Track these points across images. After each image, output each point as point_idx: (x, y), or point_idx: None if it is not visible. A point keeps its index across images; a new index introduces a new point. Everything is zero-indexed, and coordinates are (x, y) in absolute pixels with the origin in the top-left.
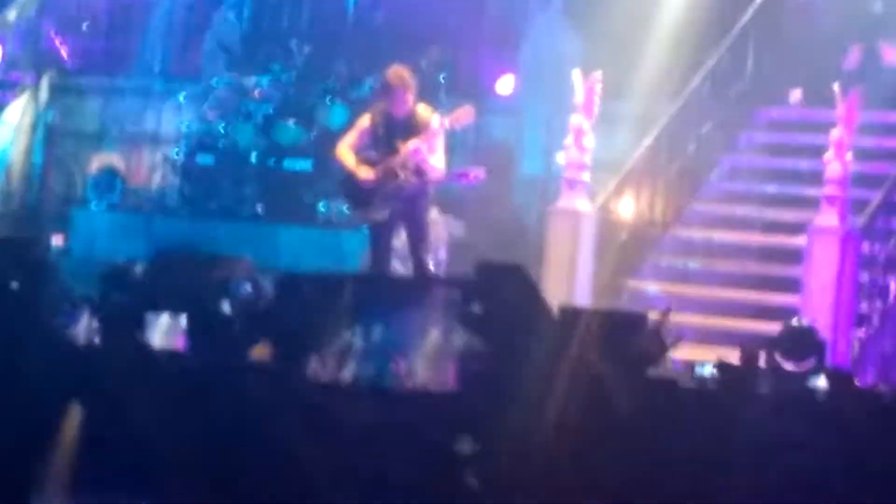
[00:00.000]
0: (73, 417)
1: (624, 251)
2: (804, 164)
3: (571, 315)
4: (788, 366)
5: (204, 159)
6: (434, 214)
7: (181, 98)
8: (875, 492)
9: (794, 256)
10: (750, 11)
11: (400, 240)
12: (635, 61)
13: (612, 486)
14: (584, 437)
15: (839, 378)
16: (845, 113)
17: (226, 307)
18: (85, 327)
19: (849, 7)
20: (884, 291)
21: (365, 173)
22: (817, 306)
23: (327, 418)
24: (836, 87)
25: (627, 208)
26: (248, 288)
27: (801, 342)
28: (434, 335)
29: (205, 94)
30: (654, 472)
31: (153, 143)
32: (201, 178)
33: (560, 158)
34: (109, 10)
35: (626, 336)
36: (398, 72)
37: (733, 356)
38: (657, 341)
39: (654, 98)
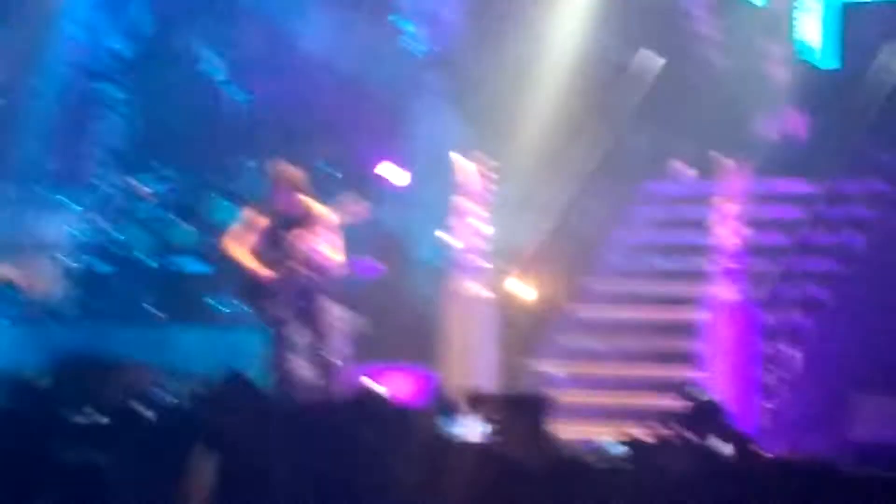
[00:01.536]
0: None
1: (524, 333)
2: (699, 237)
3: (476, 399)
4: (694, 439)
5: (98, 265)
6: (334, 309)
7: (70, 203)
8: None
9: (694, 330)
10: (642, 86)
11: (302, 337)
12: (523, 144)
13: None
14: None
15: (746, 448)
16: (737, 183)
17: (146, 413)
18: None
19: (753, 74)
20: (786, 361)
21: (262, 270)
22: (719, 378)
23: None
24: (725, 158)
25: (525, 290)
26: (158, 393)
27: (705, 415)
28: None
29: (94, 197)
30: None
31: (45, 250)
32: (97, 284)
33: (452, 242)
34: None
35: (532, 418)
36: (286, 169)
37: (638, 432)
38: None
39: (546, 180)
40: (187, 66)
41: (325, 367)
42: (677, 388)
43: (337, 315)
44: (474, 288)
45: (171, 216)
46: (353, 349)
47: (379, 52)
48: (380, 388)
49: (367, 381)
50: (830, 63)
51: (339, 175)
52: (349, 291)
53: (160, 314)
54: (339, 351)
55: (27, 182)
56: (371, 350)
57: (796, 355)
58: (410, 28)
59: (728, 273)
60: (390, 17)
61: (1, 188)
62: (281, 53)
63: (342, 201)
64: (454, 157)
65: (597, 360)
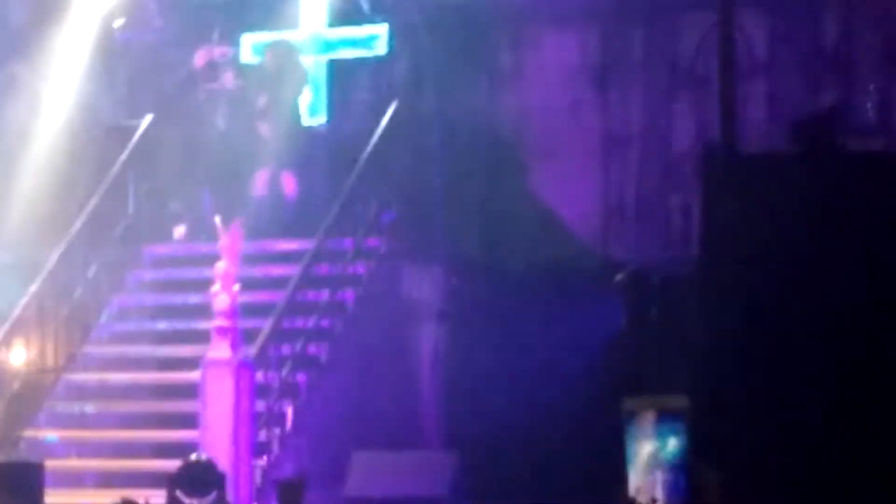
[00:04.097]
0: None
1: (18, 400)
2: (193, 298)
3: None
4: (190, 502)
5: None
6: None
7: None
8: None
9: (191, 391)
10: (127, 150)
11: None
12: (16, 209)
13: None
14: None
15: None
16: (229, 244)
17: None
18: None
19: (245, 137)
20: (281, 418)
21: None
22: (216, 439)
23: None
24: (217, 219)
25: (18, 357)
26: None
27: (201, 477)
28: None
29: None
30: None
31: None
32: None
33: None
34: None
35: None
36: None
37: (135, 496)
38: None
39: (39, 244)
40: None
41: None
42: (174, 450)
43: None
44: None
45: None
46: None
47: None
48: None
49: None
50: (319, 121)
51: None
52: None
53: None
54: None
55: None
56: None
57: (289, 412)
58: None
59: (222, 333)
60: None
61: None
62: None
63: None
64: None
65: (93, 426)
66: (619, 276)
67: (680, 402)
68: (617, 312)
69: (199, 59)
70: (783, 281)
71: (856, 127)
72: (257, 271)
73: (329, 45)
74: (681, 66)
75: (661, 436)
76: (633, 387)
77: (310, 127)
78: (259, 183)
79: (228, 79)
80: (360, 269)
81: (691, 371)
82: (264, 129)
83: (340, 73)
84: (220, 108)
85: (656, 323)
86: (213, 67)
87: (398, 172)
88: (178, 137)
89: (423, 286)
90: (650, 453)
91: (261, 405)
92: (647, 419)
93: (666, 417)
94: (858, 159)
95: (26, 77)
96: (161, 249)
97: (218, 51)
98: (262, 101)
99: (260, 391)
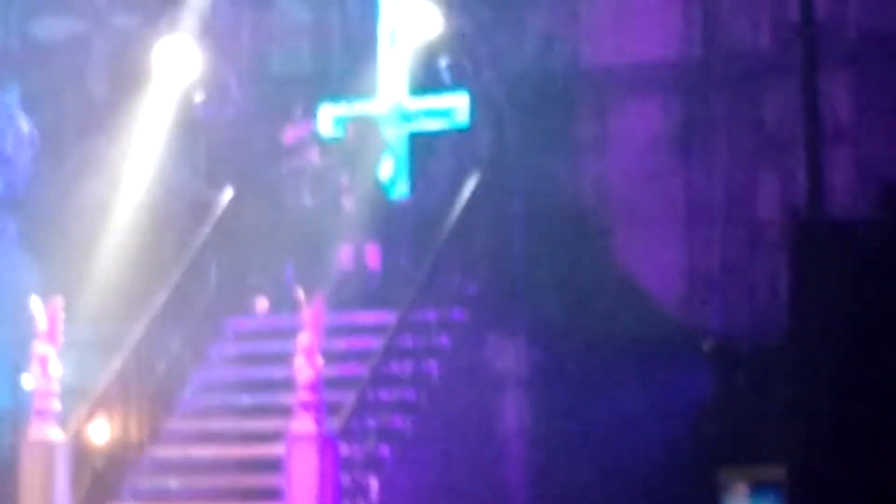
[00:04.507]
0: None
1: (101, 476)
2: (277, 371)
3: None
4: None
5: None
6: None
7: None
8: None
9: (275, 465)
10: (208, 224)
11: None
12: (97, 285)
13: None
14: None
15: None
16: (312, 317)
17: None
18: None
19: (328, 211)
20: (366, 491)
21: None
22: None
23: None
24: (300, 292)
25: (101, 433)
26: None
27: None
28: None
29: None
30: None
31: None
32: None
33: (27, 383)
34: None
35: None
36: None
37: None
38: None
39: (121, 320)
40: None
41: None
42: None
43: None
44: (49, 432)
45: None
46: None
47: None
48: None
49: None
50: (401, 193)
51: None
52: None
53: None
54: None
55: None
56: None
57: (375, 484)
58: None
59: (306, 406)
60: None
61: None
62: None
63: None
64: (26, 298)
65: (177, 501)
66: (706, 344)
67: (774, 472)
68: (705, 381)
69: (289, 137)
70: (874, 348)
71: None
72: (341, 344)
73: (410, 117)
74: (765, 132)
75: None
76: (724, 456)
77: (392, 199)
78: (343, 256)
79: (314, 155)
80: (444, 340)
81: (784, 440)
82: (347, 202)
83: (422, 145)
84: (305, 183)
85: (745, 391)
86: (300, 145)
87: (481, 243)
88: (260, 211)
89: (508, 356)
90: None
91: (345, 478)
92: (741, 490)
93: (760, 488)
94: None
95: (107, 152)
96: (243, 323)
97: (304, 128)
98: (344, 178)
99: (344, 464)
